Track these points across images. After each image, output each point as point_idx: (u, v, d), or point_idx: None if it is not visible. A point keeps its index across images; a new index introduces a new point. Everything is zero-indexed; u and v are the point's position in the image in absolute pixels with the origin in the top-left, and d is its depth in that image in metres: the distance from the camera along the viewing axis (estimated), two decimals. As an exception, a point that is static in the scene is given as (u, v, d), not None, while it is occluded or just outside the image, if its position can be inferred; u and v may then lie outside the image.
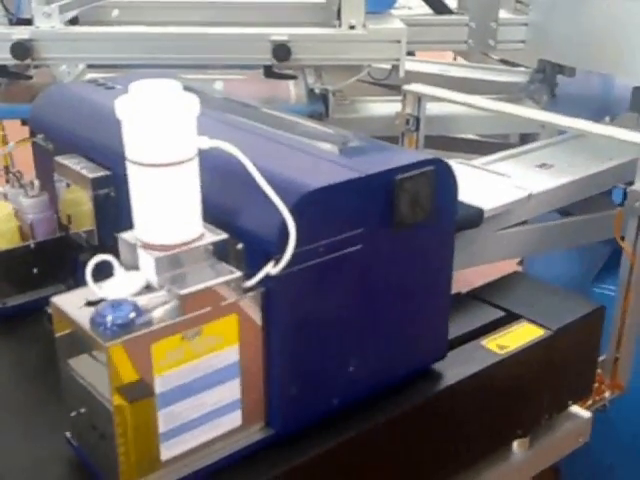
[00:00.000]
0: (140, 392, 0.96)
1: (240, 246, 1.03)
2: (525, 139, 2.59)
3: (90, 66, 2.42)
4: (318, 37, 2.17)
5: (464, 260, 1.75)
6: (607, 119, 2.29)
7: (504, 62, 3.01)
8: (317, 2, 2.48)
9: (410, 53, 2.89)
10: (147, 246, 1.01)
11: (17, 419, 1.20)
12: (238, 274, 1.01)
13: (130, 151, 1.00)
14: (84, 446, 1.07)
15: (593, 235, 2.07)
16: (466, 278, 1.91)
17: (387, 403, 1.22)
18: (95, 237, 1.26)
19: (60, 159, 1.30)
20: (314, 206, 1.04)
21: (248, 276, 1.02)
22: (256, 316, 1.04)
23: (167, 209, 1.00)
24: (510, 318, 1.51)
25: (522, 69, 2.84)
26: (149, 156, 0.98)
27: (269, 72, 2.19)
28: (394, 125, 2.20)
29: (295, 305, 1.06)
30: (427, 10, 2.54)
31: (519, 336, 1.45)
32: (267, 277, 1.01)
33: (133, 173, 1.01)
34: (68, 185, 1.30)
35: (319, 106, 2.33)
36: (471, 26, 2.45)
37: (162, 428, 0.99)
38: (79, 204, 1.26)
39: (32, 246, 1.35)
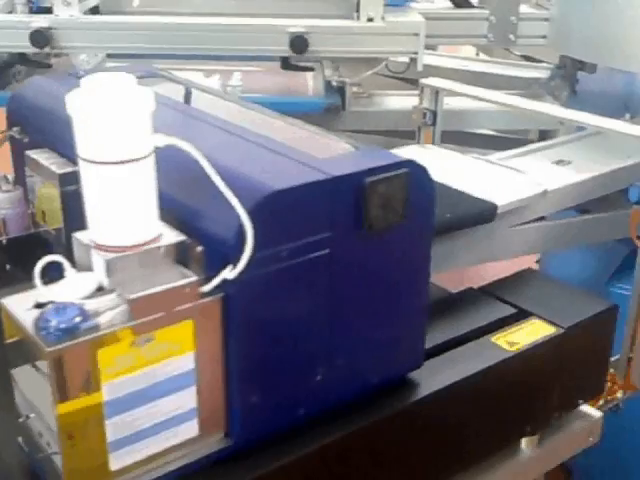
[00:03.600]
0: (85, 400, 0.93)
1: (200, 249, 0.99)
2: (544, 135, 2.57)
3: (110, 55, 2.44)
4: (336, 29, 2.15)
5: (477, 256, 1.74)
6: (627, 116, 2.26)
7: (526, 58, 2.99)
8: (337, -6, 2.48)
9: (430, 47, 2.88)
10: (100, 247, 0.97)
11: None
12: (193, 278, 0.97)
13: (81, 148, 0.96)
14: (34, 453, 1.05)
15: (609, 233, 2.04)
16: (483, 274, 1.90)
17: (360, 412, 1.18)
18: (63, 235, 1.21)
19: (31, 153, 1.26)
20: (275, 208, 1.00)
21: (208, 280, 0.98)
22: (214, 322, 1.00)
23: (120, 209, 0.97)
24: (521, 315, 1.50)
25: (543, 65, 2.82)
26: (100, 153, 0.95)
27: (286, 64, 2.18)
28: (411, 119, 2.19)
29: (256, 311, 1.03)
30: (449, 4, 2.52)
31: (529, 333, 1.44)
32: (226, 282, 0.97)
33: (84, 171, 0.97)
34: (43, 181, 1.25)
35: (336, 99, 2.32)
36: (491, 20, 2.42)
37: (111, 437, 0.96)
38: (50, 200, 1.22)
39: (4, 242, 1.29)
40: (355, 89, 2.49)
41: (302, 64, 2.22)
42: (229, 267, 0.96)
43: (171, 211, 1.03)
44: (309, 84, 2.46)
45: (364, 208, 1.07)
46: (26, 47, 2.10)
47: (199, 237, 1.00)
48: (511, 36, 2.45)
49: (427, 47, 2.68)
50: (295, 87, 2.46)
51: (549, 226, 1.89)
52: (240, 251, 0.95)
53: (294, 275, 1.04)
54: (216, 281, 0.97)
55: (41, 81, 1.54)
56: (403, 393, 1.24)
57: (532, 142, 2.36)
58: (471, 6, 2.49)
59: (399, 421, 1.23)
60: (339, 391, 1.16)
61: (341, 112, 2.34)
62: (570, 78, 2.53)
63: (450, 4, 2.51)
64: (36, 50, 2.10)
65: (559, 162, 2.00)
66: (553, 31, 2.43)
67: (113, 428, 0.96)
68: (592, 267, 2.53)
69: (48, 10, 2.16)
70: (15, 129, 1.37)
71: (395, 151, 1.89)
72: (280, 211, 1.00)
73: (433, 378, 1.28)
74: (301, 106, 2.32)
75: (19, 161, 1.33)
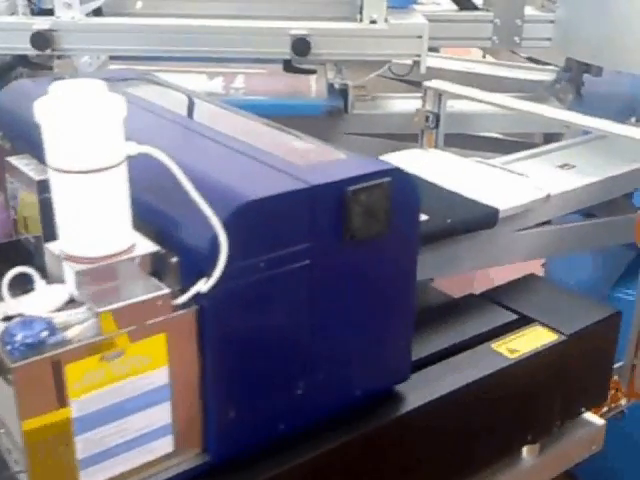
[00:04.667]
0: (53, 416, 0.90)
1: (175, 260, 0.96)
2: (550, 139, 2.55)
3: (113, 57, 2.43)
4: (338, 32, 2.14)
5: (480, 260, 1.73)
6: (633, 120, 2.24)
7: (533, 60, 2.96)
8: (341, -4, 2.47)
9: (434, 49, 2.86)
10: (70, 258, 0.95)
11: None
12: (165, 291, 0.95)
13: (50, 156, 0.94)
14: (7, 468, 1.02)
15: (615, 238, 2.02)
16: (494, 277, 1.87)
17: (345, 426, 1.15)
18: (42, 243, 1.17)
19: (11, 160, 1.24)
20: (251, 218, 0.97)
21: (182, 292, 0.95)
22: (189, 335, 0.97)
23: (91, 219, 0.94)
24: (523, 321, 1.49)
25: (549, 67, 2.79)
26: (69, 162, 0.92)
27: (288, 66, 2.17)
28: (414, 122, 2.17)
29: (233, 324, 1.00)
30: (453, 6, 2.50)
31: (531, 340, 1.43)
32: (200, 294, 0.94)
33: (54, 180, 0.95)
34: (23, 188, 1.22)
35: (338, 101, 2.30)
36: (496, 23, 2.40)
37: (81, 454, 0.93)
38: (30, 207, 1.20)
39: None
40: (358, 91, 2.47)
41: (304, 67, 2.20)
42: (203, 279, 0.94)
43: (148, 220, 1.00)
44: (312, 87, 2.45)
45: (345, 218, 1.04)
46: (27, 49, 2.09)
47: (175, 247, 0.98)
48: (516, 38, 2.42)
49: (431, 49, 2.68)
50: (298, 90, 2.44)
51: (553, 231, 1.86)
52: (215, 262, 0.93)
53: (273, 287, 1.01)
54: (189, 294, 0.94)
55: (23, 85, 1.52)
56: (391, 406, 1.21)
57: (537, 145, 2.34)
58: (475, 8, 2.47)
59: (388, 434, 1.20)
60: (321, 405, 1.12)
61: (344, 115, 2.32)
62: (575, 81, 2.51)
63: (454, 6, 2.49)
64: (37, 52, 2.09)
65: (563, 166, 1.98)
66: (558, 33, 2.41)
67: (83, 445, 0.93)
68: (599, 272, 2.50)
69: (50, 12, 2.15)
70: None
71: (396, 154, 1.90)
72: (256, 221, 0.98)
73: (430, 386, 1.26)
74: (303, 109, 2.31)
75: (1, 167, 1.30)
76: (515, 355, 1.37)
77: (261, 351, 1.04)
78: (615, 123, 1.91)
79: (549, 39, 2.43)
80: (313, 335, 1.08)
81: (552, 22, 2.42)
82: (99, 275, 0.94)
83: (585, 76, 2.51)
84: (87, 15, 2.20)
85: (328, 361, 1.11)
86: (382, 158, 1.85)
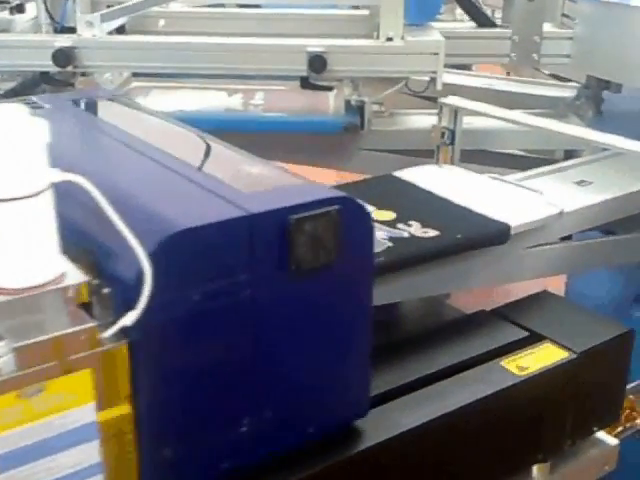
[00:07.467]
0: None
1: (106, 291, 0.92)
2: (570, 155, 2.53)
3: (135, 74, 2.47)
4: (354, 49, 2.15)
5: (490, 277, 1.72)
6: (652, 137, 2.22)
7: (556, 77, 2.95)
8: (359, 14, 2.49)
9: (465, 67, 2.87)
10: None
11: None
12: (90, 324, 0.91)
13: None
14: None
15: (633, 256, 2.00)
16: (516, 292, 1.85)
17: (299, 462, 1.10)
18: None
19: None
20: (181, 249, 0.92)
21: (112, 325, 0.92)
22: (119, 370, 0.93)
23: (13, 248, 0.90)
24: (533, 339, 1.47)
25: (571, 84, 2.78)
26: None
27: (305, 83, 2.19)
28: (431, 138, 2.17)
29: (165, 358, 0.95)
30: (473, 23, 2.50)
31: (541, 358, 1.42)
32: (131, 327, 0.90)
33: None
34: None
35: (355, 118, 2.31)
36: (514, 40, 2.40)
37: None
38: None
39: None
40: (376, 108, 2.48)
41: (321, 83, 2.22)
42: (131, 312, 0.90)
43: (84, 249, 0.97)
44: (331, 103, 2.46)
45: (289, 248, 0.99)
46: (49, 66, 2.13)
47: (107, 278, 0.94)
48: (534, 55, 2.42)
49: (460, 67, 2.68)
50: (316, 106, 2.45)
51: (567, 248, 1.85)
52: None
53: (210, 319, 0.97)
54: (115, 327, 0.91)
55: None
56: (352, 440, 1.17)
57: (556, 162, 2.32)
58: (494, 25, 2.47)
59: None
60: (270, 443, 1.07)
61: (360, 131, 2.33)
62: (595, 98, 2.49)
63: (473, 23, 2.49)
64: (58, 69, 2.13)
65: (580, 182, 1.97)
66: (577, 50, 2.40)
67: None
68: (620, 288, 2.47)
69: (72, 30, 2.19)
70: None
71: (410, 170, 1.90)
72: (188, 251, 0.93)
73: (436, 402, 1.26)
74: (318, 125, 2.32)
75: None
76: (524, 373, 1.37)
77: (199, 387, 0.99)
78: (633, 140, 1.90)
79: (568, 56, 2.42)
80: (257, 370, 1.03)
81: (571, 39, 2.41)
82: (21, 307, 0.90)
83: (605, 93, 2.49)
84: (110, 33, 2.24)
85: (275, 397, 1.06)
86: (396, 173, 1.87)
